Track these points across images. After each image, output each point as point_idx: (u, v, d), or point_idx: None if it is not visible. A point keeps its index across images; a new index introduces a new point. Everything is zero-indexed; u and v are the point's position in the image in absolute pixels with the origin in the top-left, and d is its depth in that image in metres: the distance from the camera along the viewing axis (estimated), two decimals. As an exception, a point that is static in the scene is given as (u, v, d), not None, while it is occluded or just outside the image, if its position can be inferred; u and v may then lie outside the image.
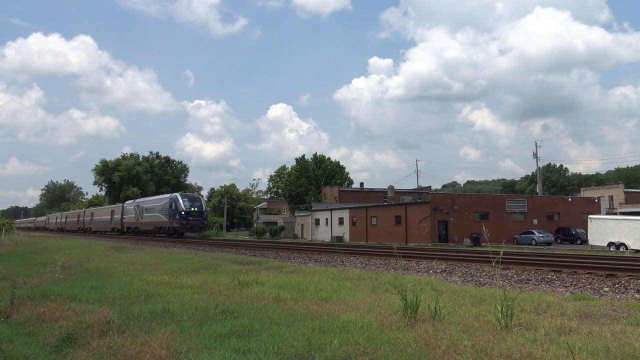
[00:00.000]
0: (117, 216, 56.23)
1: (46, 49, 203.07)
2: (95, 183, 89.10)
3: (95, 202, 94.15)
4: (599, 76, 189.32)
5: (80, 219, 70.70)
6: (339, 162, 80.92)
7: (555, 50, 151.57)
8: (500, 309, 5.89)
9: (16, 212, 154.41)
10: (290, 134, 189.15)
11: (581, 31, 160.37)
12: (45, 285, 10.34)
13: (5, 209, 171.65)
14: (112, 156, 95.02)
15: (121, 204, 58.12)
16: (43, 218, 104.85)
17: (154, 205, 47.68)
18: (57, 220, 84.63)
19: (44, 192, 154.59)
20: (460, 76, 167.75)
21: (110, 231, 59.19)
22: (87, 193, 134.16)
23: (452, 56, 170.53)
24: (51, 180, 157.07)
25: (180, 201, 43.36)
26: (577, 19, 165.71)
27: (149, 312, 7.15)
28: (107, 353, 5.44)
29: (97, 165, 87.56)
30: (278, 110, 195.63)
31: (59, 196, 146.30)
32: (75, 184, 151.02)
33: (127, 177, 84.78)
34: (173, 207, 43.46)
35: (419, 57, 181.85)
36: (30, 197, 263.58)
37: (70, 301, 8.47)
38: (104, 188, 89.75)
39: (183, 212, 42.58)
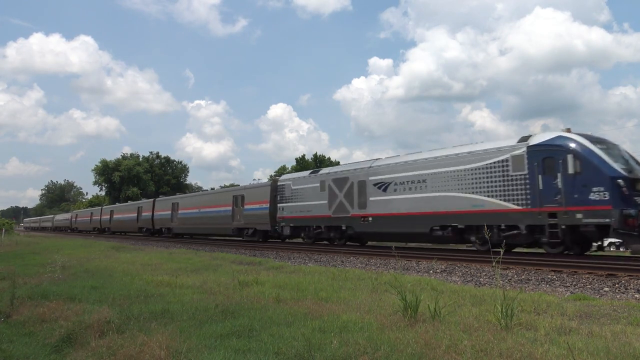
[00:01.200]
0: (262, 205, 27.90)
1: (47, 49, 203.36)
2: (95, 183, 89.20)
3: (95, 202, 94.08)
4: (598, 76, 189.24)
5: (144, 214, 44.08)
6: (339, 162, 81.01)
7: (556, 50, 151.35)
8: (500, 309, 5.89)
9: (16, 212, 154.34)
10: (291, 134, 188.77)
11: (581, 31, 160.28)
12: (45, 285, 10.34)
13: (5, 209, 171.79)
14: (112, 156, 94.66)
15: (268, 182, 28.71)
16: (66, 216, 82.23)
17: (440, 171, 17.99)
18: (94, 218, 60.45)
19: (43, 192, 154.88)
20: (461, 76, 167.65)
21: (235, 235, 31.02)
22: (87, 193, 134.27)
23: (452, 56, 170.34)
24: (51, 180, 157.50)
25: (598, 151, 13.98)
26: (577, 19, 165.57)
27: (148, 312, 7.15)
28: (106, 353, 5.44)
29: (97, 165, 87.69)
30: (278, 110, 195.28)
31: (59, 196, 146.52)
32: (75, 184, 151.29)
33: (127, 177, 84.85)
34: (567, 168, 14.06)
35: (419, 57, 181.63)
36: (30, 197, 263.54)
37: (70, 301, 8.47)
38: (104, 188, 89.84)
39: (621, 182, 13.24)
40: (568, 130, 15.54)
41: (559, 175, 14.36)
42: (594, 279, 11.23)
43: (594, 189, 13.64)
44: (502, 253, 6.67)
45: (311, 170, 26.13)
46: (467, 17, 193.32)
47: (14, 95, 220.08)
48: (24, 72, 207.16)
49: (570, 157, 14.16)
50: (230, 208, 31.10)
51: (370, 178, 20.92)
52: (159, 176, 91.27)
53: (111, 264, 15.43)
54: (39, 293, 9.33)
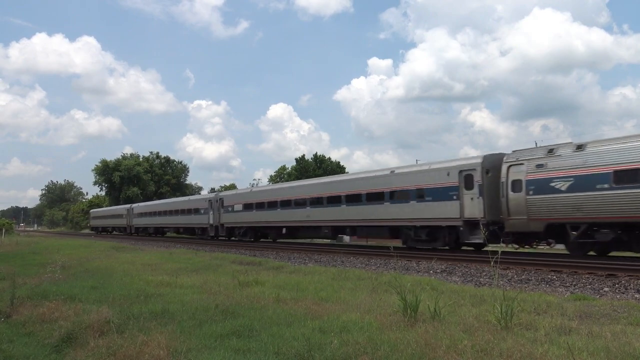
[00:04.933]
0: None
1: (50, 50, 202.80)
2: (95, 183, 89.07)
3: (96, 202, 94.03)
4: (598, 77, 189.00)
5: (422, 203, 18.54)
6: (339, 162, 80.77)
7: (555, 51, 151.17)
8: (500, 309, 5.89)
9: (16, 212, 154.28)
10: (291, 134, 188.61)
11: (581, 32, 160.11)
12: (45, 285, 10.33)
13: (5, 209, 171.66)
14: (113, 156, 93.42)
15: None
16: (121, 209, 56.02)
17: None
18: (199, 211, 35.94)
19: (44, 192, 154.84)
20: (461, 77, 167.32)
21: None
22: (87, 193, 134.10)
23: (452, 57, 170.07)
24: (51, 180, 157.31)
25: None
26: (576, 20, 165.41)
27: (148, 312, 7.15)
28: (106, 353, 5.44)
29: (97, 166, 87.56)
30: (278, 110, 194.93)
31: (59, 196, 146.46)
32: (75, 184, 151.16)
33: (127, 177, 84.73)
34: None
35: (419, 58, 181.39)
36: (31, 197, 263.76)
37: (70, 301, 8.47)
38: (104, 188, 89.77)
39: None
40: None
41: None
42: (594, 279, 11.24)
43: None
44: (499, 253, 6.70)
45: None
46: (467, 19, 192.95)
47: (16, 95, 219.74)
48: (26, 72, 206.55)
49: None
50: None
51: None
52: (159, 176, 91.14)
53: (111, 264, 15.43)
54: (39, 293, 9.32)
